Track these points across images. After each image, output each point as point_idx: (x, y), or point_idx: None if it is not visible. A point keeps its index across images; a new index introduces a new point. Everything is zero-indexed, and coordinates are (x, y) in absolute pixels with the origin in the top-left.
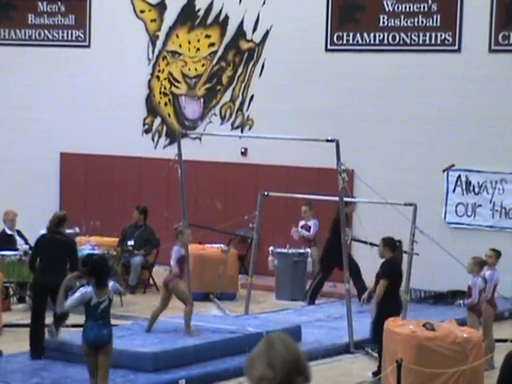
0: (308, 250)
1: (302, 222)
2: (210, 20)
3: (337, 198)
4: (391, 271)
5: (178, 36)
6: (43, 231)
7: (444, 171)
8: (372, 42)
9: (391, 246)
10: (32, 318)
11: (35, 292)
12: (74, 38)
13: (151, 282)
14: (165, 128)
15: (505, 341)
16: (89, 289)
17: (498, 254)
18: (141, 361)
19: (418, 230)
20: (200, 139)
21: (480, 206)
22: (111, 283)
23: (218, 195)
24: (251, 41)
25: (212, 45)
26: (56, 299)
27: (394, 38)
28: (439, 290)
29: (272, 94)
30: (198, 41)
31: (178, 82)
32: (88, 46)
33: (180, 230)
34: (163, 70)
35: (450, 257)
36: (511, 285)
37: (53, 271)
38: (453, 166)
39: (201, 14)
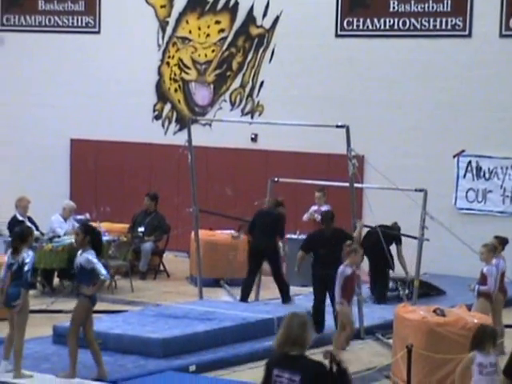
0: None
1: (314, 207)
2: (219, 6)
3: (347, 184)
4: (305, 241)
5: (187, 22)
6: (54, 217)
7: (454, 157)
8: (382, 27)
9: (321, 219)
10: (247, 277)
11: (251, 254)
12: (83, 24)
13: (161, 268)
14: (175, 114)
15: None
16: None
17: (500, 240)
18: (151, 347)
19: (428, 216)
20: (210, 125)
21: (490, 191)
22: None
23: (228, 181)
24: (261, 26)
25: (222, 31)
26: (267, 259)
27: (404, 23)
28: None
29: (282, 79)
30: (208, 27)
31: (188, 68)
32: (98, 32)
33: (354, 248)
34: (173, 56)
35: (461, 242)
36: None
37: (264, 237)
38: (463, 151)
39: None
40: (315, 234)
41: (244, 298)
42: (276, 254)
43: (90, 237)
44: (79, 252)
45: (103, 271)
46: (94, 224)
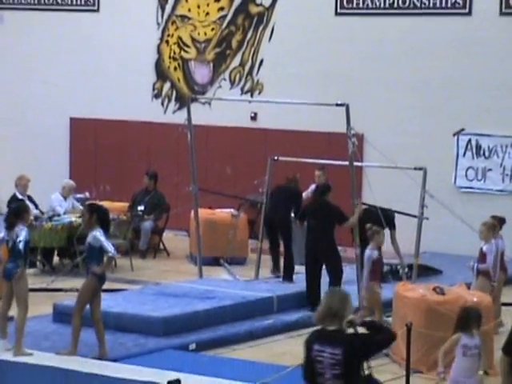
0: None
1: (313, 186)
2: None
3: (347, 163)
4: (300, 211)
5: (187, 0)
6: (54, 196)
7: (454, 135)
8: (382, 5)
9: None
10: (271, 249)
11: (267, 227)
12: (83, 3)
13: (161, 246)
14: (174, 93)
15: None
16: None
17: (498, 220)
18: (151, 325)
19: (427, 195)
20: (209, 104)
21: (490, 170)
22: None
23: (228, 160)
24: (261, 4)
25: (221, 9)
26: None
27: (404, 1)
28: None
29: (282, 58)
30: (208, 5)
31: (188, 46)
32: (97, 11)
33: (376, 230)
34: (172, 35)
35: (460, 221)
36: None
37: (280, 211)
38: (463, 129)
39: None
40: (308, 205)
41: (277, 267)
42: (288, 229)
43: (96, 215)
44: (89, 232)
45: (110, 248)
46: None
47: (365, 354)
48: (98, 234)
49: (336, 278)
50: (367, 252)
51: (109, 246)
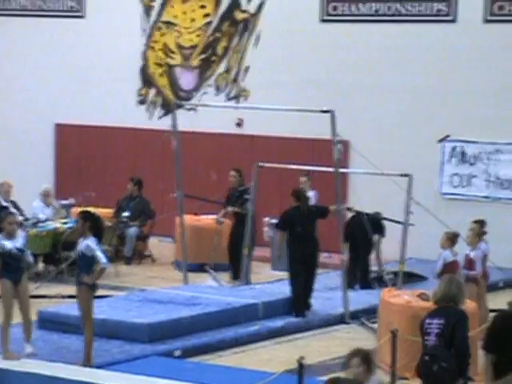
0: None
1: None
2: None
3: (332, 169)
4: (280, 221)
5: (173, 6)
6: (35, 203)
7: (439, 142)
8: (367, 12)
9: (295, 196)
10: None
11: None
12: (68, 9)
13: (146, 253)
14: (160, 99)
15: (499, 311)
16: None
17: (481, 224)
18: (136, 332)
19: (413, 201)
20: (195, 110)
21: (475, 176)
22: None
23: (213, 166)
24: (246, 11)
25: (207, 15)
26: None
27: (389, 8)
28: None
29: (267, 64)
30: (193, 11)
31: (173, 52)
32: (83, 17)
33: (456, 234)
34: (158, 41)
35: (445, 227)
36: (506, 255)
37: None
38: (448, 136)
39: None
40: (291, 211)
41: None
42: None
43: (89, 223)
44: (80, 239)
45: (103, 259)
46: (78, 209)
47: (456, 330)
48: (91, 244)
49: (313, 282)
50: (446, 253)
51: (102, 257)
